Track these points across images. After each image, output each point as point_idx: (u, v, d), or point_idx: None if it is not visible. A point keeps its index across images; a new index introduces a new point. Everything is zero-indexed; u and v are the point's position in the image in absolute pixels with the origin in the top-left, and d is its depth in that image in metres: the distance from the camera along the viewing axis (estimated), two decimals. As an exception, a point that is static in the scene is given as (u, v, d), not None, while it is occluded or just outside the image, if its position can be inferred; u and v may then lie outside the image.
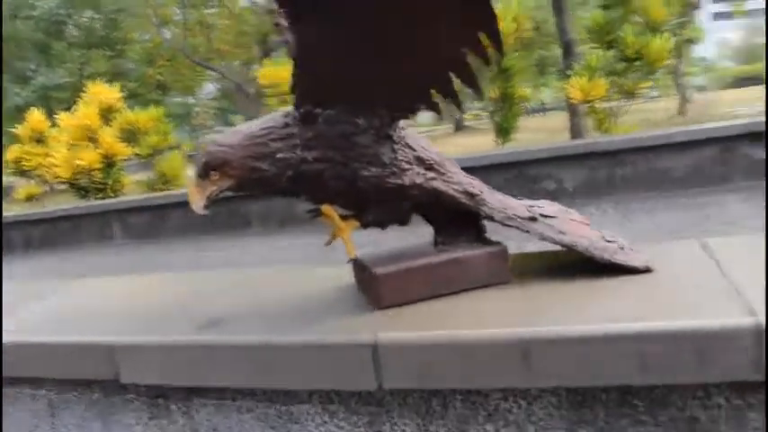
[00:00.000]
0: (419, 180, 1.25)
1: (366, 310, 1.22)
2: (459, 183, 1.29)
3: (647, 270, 1.20)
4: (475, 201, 1.28)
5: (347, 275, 1.46)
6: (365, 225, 1.29)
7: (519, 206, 1.30)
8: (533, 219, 1.27)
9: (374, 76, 1.13)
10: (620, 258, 1.22)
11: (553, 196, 4.21)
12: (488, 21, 1.06)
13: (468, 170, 1.32)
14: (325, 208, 1.29)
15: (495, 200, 1.30)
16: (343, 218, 1.30)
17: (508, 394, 1.06)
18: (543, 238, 1.25)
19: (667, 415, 0.99)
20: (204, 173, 1.19)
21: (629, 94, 5.80)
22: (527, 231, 1.26)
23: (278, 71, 6.13)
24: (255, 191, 1.26)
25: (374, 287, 1.22)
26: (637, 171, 4.68)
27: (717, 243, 1.33)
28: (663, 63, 5.52)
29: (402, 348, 1.05)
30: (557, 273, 1.27)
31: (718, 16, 35.12)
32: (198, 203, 1.20)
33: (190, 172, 1.21)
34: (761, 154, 4.47)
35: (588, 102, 5.81)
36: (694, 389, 0.97)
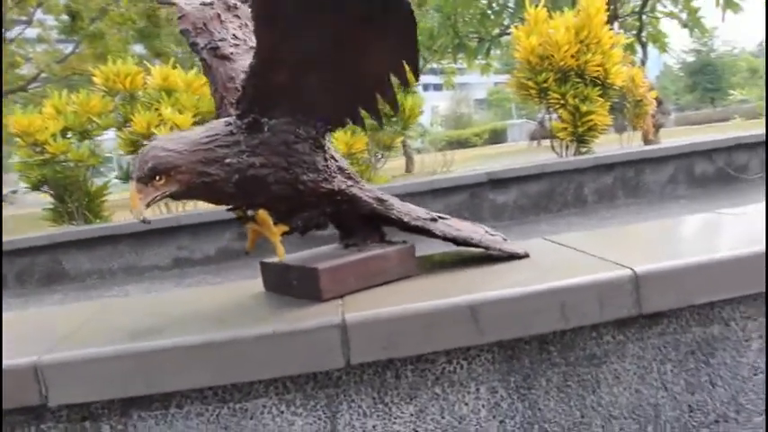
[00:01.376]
0: (343, 186, 1.40)
1: (305, 304, 1.32)
2: (370, 190, 1.47)
3: (526, 255, 1.49)
4: (384, 206, 1.47)
5: (245, 290, 1.54)
6: (293, 229, 1.40)
7: (419, 209, 1.52)
8: (434, 219, 1.50)
9: (319, 89, 1.28)
10: (507, 247, 1.50)
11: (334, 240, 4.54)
12: (410, 50, 1.29)
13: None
14: (261, 213, 1.37)
15: (400, 204, 1.50)
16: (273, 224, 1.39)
17: (452, 357, 1.25)
18: (444, 234, 1.48)
19: (574, 355, 1.27)
20: (148, 178, 1.21)
21: (387, 148, 6.47)
22: (429, 230, 1.48)
23: (31, 119, 5.59)
24: (199, 197, 1.29)
25: (313, 282, 1.33)
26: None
27: (557, 238, 1.69)
28: (416, 119, 6.30)
29: (370, 324, 1.18)
30: (455, 265, 1.51)
31: (428, 87, 40.17)
32: (139, 209, 1.20)
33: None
34: (501, 198, 5.35)
35: (351, 155, 6.34)
36: (590, 331, 1.27)
